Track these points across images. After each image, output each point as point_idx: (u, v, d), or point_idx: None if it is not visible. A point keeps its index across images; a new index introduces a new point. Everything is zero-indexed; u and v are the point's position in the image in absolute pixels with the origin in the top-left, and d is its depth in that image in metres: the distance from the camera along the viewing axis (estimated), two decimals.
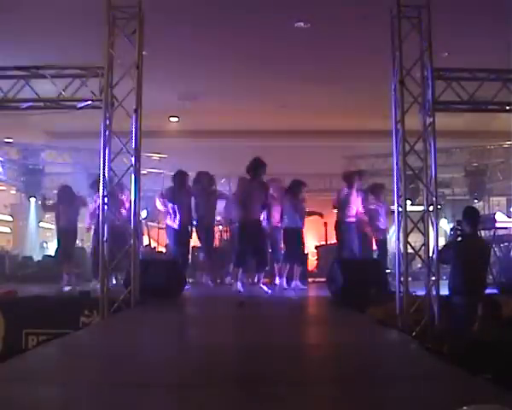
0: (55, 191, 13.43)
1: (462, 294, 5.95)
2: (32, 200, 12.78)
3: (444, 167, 11.53)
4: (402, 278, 5.74)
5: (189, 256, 9.63)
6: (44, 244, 13.30)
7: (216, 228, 10.68)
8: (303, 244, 9.17)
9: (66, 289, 8.26)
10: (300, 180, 9.23)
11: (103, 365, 3.56)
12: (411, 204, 8.21)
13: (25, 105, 6.37)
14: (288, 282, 8.86)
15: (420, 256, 5.96)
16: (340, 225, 8.75)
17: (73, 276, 8.98)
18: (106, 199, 6.16)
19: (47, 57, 6.49)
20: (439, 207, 9.95)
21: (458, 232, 6.51)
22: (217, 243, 10.94)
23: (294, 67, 9.74)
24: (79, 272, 9.48)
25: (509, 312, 5.57)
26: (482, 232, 8.49)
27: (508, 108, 6.33)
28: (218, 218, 10.26)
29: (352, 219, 8.67)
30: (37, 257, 12.15)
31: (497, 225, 9.21)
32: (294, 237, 8.91)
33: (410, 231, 5.83)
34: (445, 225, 12.02)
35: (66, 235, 9.13)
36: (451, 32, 7.26)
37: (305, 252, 9.81)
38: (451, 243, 6.66)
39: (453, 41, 7.59)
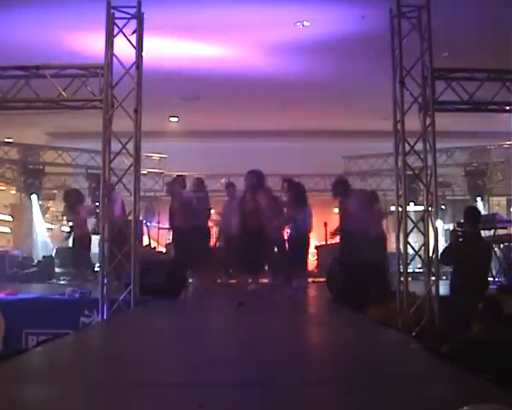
0: (55, 191, 13.47)
1: (464, 294, 5.94)
2: (34, 197, 12.75)
3: (444, 167, 11.53)
4: (402, 278, 5.74)
5: None
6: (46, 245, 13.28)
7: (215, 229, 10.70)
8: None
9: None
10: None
11: (103, 365, 3.56)
12: (414, 204, 8.24)
13: (25, 105, 6.37)
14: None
15: (420, 256, 5.96)
16: None
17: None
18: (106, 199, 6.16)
19: (47, 57, 6.48)
20: (442, 207, 9.97)
21: (459, 233, 6.51)
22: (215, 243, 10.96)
23: (294, 67, 9.75)
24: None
25: (509, 312, 5.57)
26: (482, 232, 8.49)
27: (508, 108, 6.33)
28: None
29: None
30: (37, 257, 12.15)
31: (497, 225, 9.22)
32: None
33: (410, 231, 5.83)
34: (440, 227, 11.89)
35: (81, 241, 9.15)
36: (451, 32, 7.26)
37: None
38: (452, 244, 6.65)
39: (453, 41, 7.59)
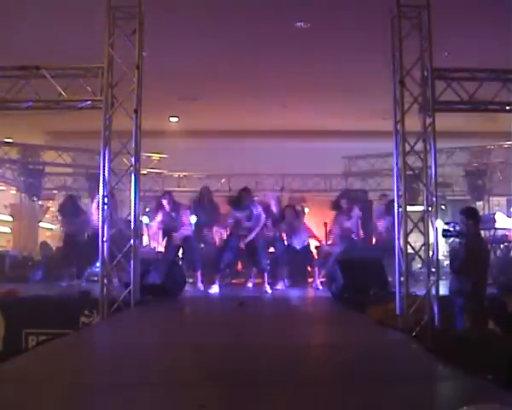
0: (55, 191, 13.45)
1: (464, 294, 5.94)
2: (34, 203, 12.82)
3: (444, 167, 11.53)
4: (402, 278, 5.74)
5: None
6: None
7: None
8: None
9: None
10: None
11: (103, 365, 3.56)
12: (412, 205, 8.20)
13: (25, 105, 6.38)
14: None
15: (420, 256, 5.96)
16: None
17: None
18: (106, 199, 6.16)
19: (47, 57, 6.48)
20: (442, 207, 9.97)
21: (455, 233, 6.49)
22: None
23: (294, 68, 9.73)
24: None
25: (509, 311, 5.58)
26: (482, 232, 8.48)
27: (508, 108, 6.33)
28: None
29: None
30: (36, 257, 12.14)
31: (497, 225, 9.22)
32: None
33: (410, 231, 5.82)
34: (440, 227, 11.87)
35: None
36: (451, 32, 7.25)
37: None
38: (457, 250, 6.60)
39: (453, 41, 7.58)
